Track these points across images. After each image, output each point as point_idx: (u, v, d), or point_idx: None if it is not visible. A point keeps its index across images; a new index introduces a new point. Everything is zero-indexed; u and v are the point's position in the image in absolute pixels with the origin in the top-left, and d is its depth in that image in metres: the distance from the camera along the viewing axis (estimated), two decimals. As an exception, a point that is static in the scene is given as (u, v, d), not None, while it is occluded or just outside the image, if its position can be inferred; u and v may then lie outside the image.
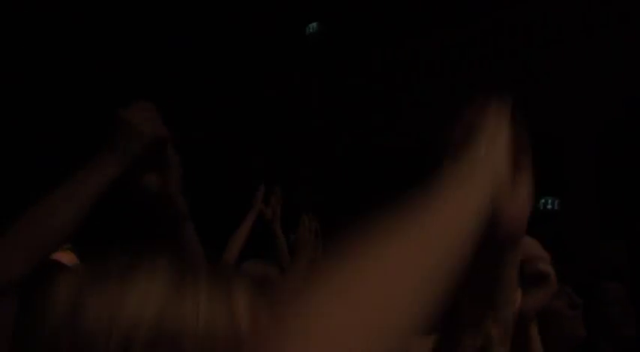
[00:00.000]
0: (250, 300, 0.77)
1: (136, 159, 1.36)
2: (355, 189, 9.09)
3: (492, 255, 0.80)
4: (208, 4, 9.60)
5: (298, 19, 10.09)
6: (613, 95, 7.03)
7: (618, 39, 7.05)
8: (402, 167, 8.03)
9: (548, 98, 7.39)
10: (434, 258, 0.54)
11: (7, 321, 1.22)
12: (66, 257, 2.69)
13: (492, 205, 0.69)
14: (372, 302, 0.49)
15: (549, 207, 7.62)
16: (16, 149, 9.26)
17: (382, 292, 0.50)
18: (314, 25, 10.30)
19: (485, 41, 8.17)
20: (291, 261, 2.94)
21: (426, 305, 0.52)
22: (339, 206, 8.93)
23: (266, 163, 9.52)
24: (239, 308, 0.75)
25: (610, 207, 6.92)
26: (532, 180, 0.84)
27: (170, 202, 1.50)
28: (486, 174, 0.68)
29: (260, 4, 9.57)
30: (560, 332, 1.73)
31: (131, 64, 9.53)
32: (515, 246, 0.82)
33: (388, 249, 0.52)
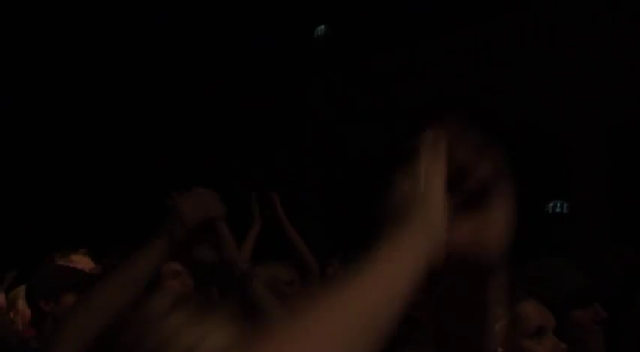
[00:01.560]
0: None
1: (180, 243, 1.49)
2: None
3: (472, 284, 0.82)
4: (217, 7, 9.61)
5: (306, 22, 10.08)
6: (620, 97, 7.00)
7: (627, 41, 7.01)
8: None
9: (555, 101, 7.36)
10: (372, 312, 0.69)
11: None
12: (83, 262, 2.69)
13: (438, 254, 0.78)
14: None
15: (558, 210, 7.58)
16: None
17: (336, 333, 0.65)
18: (322, 27, 10.30)
19: (488, 45, 8.15)
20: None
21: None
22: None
23: (267, 171, 9.53)
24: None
25: (620, 209, 6.88)
26: (511, 205, 0.82)
27: (229, 266, 1.60)
28: (420, 235, 0.76)
29: (269, 6, 9.58)
30: (580, 346, 1.73)
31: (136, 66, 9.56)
32: (496, 272, 0.82)
33: (338, 303, 0.68)
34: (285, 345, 0.62)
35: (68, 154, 9.47)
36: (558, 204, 7.62)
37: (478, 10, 8.05)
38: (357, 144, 9.19)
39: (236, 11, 9.66)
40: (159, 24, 9.43)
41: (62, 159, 9.35)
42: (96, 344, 1.24)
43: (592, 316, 1.92)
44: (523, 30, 7.93)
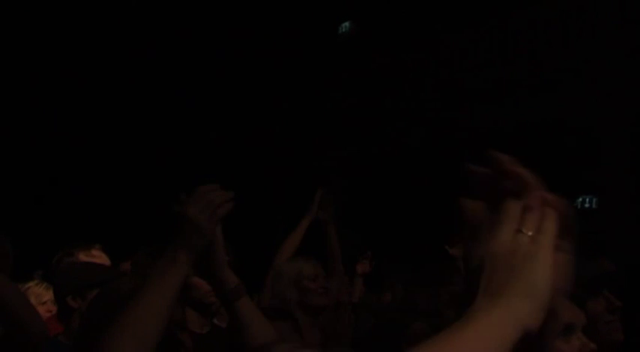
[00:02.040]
0: None
1: (200, 253, 1.41)
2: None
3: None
4: (241, 5, 9.63)
5: (331, 19, 10.07)
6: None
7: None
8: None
9: (584, 97, 7.28)
10: None
11: None
12: (102, 257, 2.72)
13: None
14: None
15: (587, 205, 7.51)
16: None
17: None
18: (346, 24, 10.28)
19: (517, 40, 8.09)
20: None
21: None
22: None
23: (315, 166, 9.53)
24: None
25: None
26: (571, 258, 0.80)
27: (221, 284, 1.49)
28: (522, 298, 0.73)
29: (293, 3, 9.58)
30: (598, 337, 1.68)
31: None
32: (555, 318, 0.79)
33: None
34: None
35: (70, 153, 9.52)
36: (587, 200, 7.55)
37: (506, 4, 7.99)
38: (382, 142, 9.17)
39: (259, 9, 9.67)
40: (181, 23, 9.47)
41: (64, 158, 9.40)
42: None
43: (605, 305, 1.88)
44: (552, 24, 7.85)
